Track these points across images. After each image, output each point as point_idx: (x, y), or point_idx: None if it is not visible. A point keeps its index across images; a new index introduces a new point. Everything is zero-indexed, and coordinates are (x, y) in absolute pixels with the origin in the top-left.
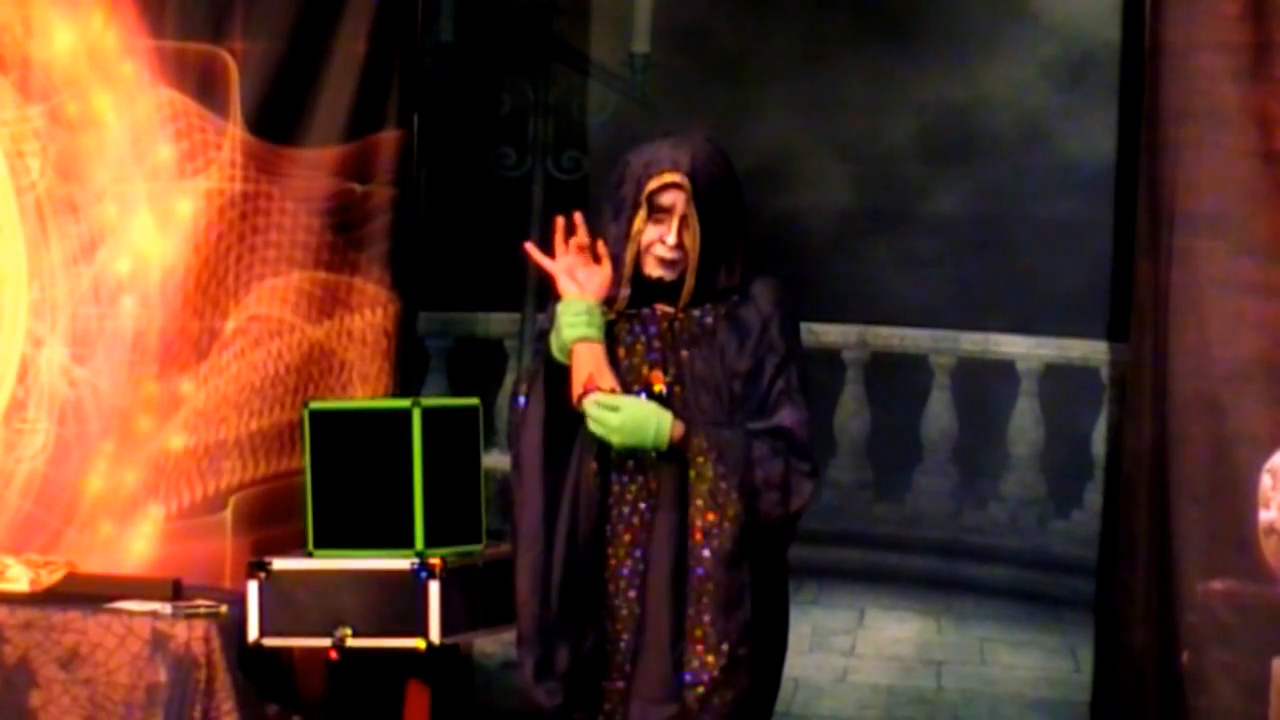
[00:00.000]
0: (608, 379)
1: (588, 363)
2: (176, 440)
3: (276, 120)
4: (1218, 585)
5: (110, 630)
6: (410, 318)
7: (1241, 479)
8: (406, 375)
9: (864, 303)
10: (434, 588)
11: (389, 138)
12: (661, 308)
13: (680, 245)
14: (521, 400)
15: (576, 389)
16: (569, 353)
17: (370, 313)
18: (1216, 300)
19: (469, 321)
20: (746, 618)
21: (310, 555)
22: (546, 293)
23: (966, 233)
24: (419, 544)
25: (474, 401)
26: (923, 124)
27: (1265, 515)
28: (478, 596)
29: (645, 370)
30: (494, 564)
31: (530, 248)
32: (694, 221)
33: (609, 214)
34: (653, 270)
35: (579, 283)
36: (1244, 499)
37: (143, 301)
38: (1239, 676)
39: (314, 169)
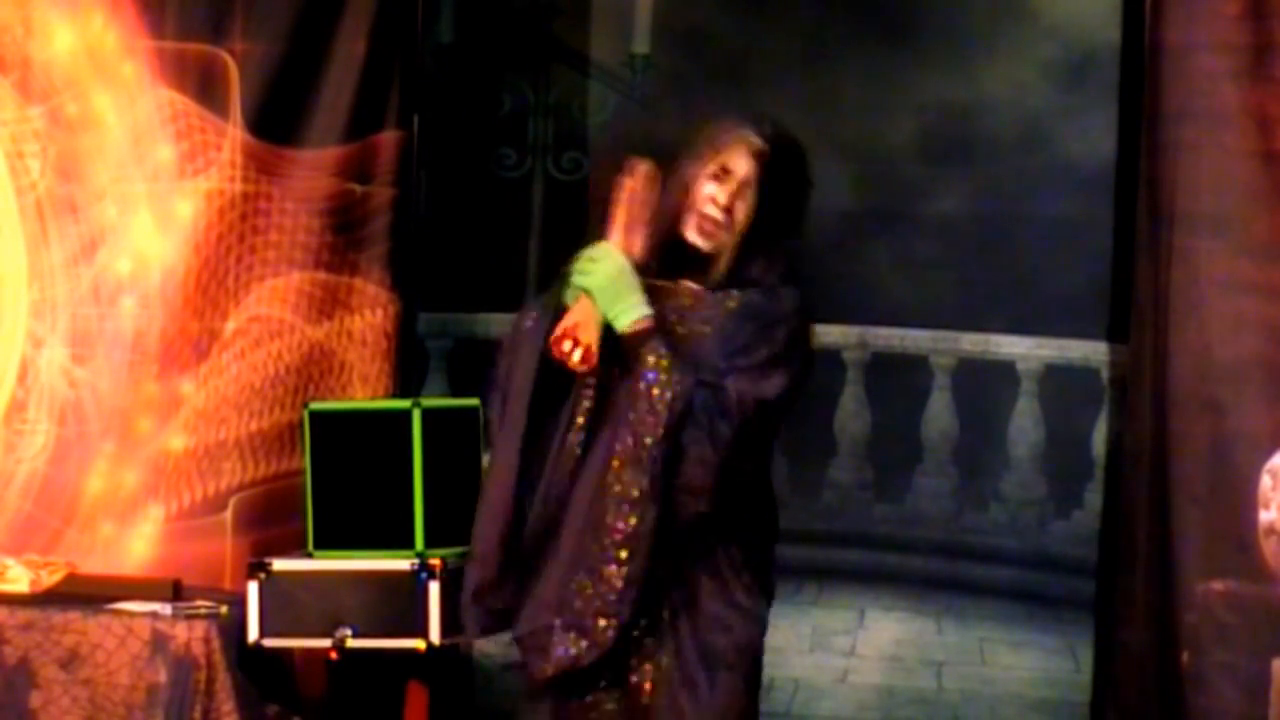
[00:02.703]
0: (589, 334)
1: (579, 314)
2: (176, 441)
3: (276, 121)
4: (1218, 585)
5: (110, 631)
6: (410, 318)
7: (1241, 479)
8: (406, 376)
9: (864, 303)
10: (434, 588)
11: (389, 138)
12: (686, 283)
13: (729, 212)
14: (529, 323)
15: (557, 330)
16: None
17: (370, 313)
18: (1216, 300)
19: (469, 322)
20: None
21: (310, 556)
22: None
23: (966, 233)
24: (419, 544)
25: (474, 402)
26: (923, 124)
27: (1265, 515)
28: None
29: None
30: None
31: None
32: (752, 195)
33: (672, 175)
34: (691, 234)
35: (625, 231)
36: (1244, 499)
37: (143, 302)
38: (1239, 677)
39: (314, 169)
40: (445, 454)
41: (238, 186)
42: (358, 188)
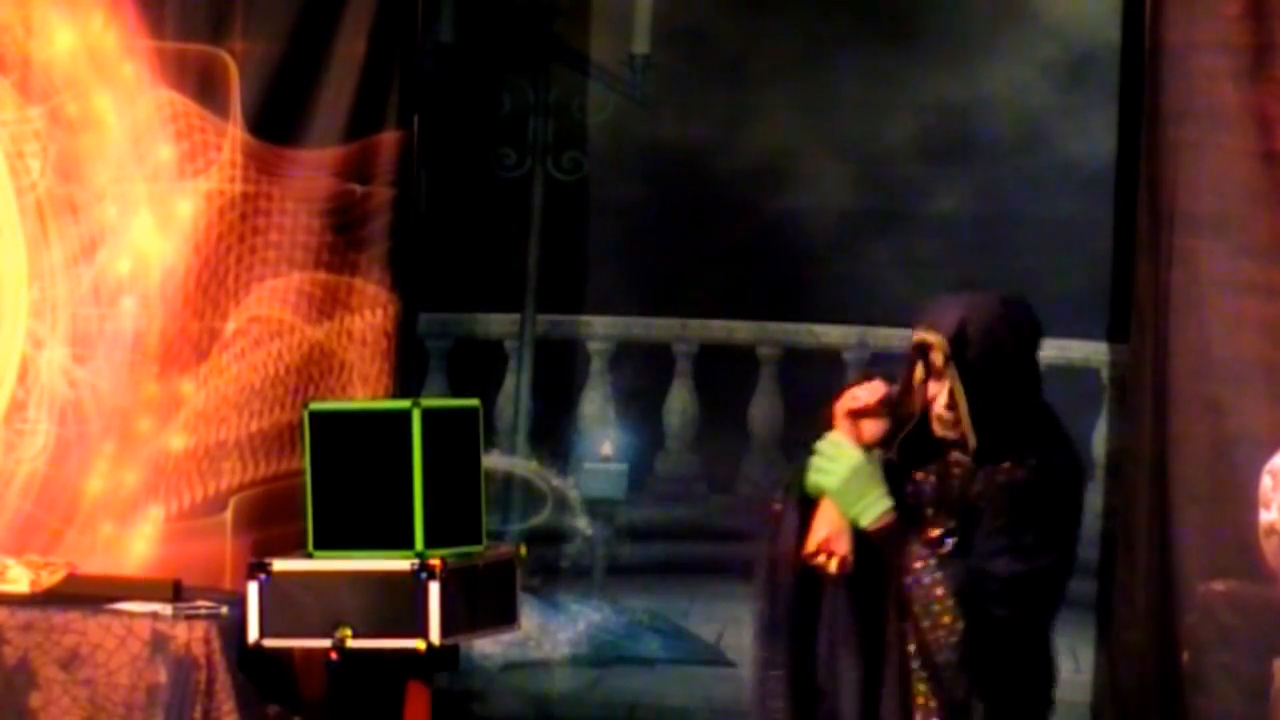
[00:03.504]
0: (844, 544)
1: (829, 522)
2: (177, 441)
3: (276, 121)
4: (1218, 586)
5: (110, 631)
6: (410, 318)
7: (1241, 479)
8: (406, 376)
9: (864, 303)
10: (434, 588)
11: (389, 138)
12: (956, 455)
13: (952, 407)
14: (777, 506)
15: (810, 544)
16: (817, 492)
17: (370, 313)
18: (1216, 300)
19: (469, 322)
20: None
21: (310, 556)
22: (547, 293)
23: (966, 233)
24: (419, 544)
25: (474, 402)
26: (923, 124)
27: (1265, 516)
28: (478, 597)
29: (929, 513)
30: (494, 564)
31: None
32: (957, 385)
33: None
34: (935, 427)
35: (858, 428)
36: (1244, 499)
37: (143, 302)
38: (1239, 677)
39: (314, 169)
40: (445, 454)
41: (238, 186)
42: (358, 188)
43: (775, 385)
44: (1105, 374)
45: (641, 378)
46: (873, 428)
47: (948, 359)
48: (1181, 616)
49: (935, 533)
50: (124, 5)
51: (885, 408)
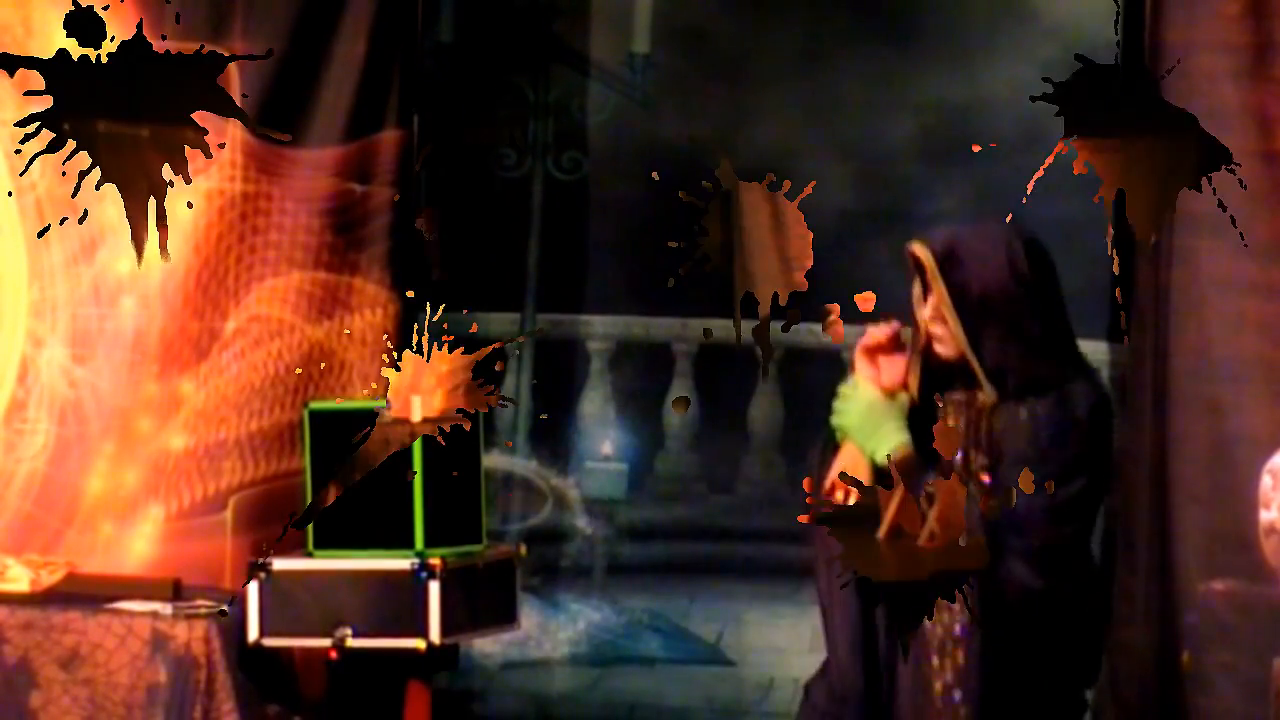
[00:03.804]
0: (859, 478)
1: (845, 459)
2: (177, 440)
3: (277, 121)
4: (1218, 585)
5: (110, 630)
6: (410, 318)
7: (1241, 479)
8: None
9: None
10: (434, 588)
11: (389, 138)
12: (982, 395)
13: (940, 322)
14: (817, 461)
15: (826, 483)
16: (841, 436)
17: (370, 313)
18: (1216, 300)
19: (469, 322)
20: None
21: (310, 555)
22: (546, 293)
23: None
24: (419, 544)
25: None
26: (923, 124)
27: (1265, 515)
28: (478, 596)
29: (958, 456)
30: (494, 564)
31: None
32: (945, 300)
33: None
34: (933, 347)
35: (876, 368)
36: (1244, 499)
37: (143, 302)
38: (1240, 677)
39: (314, 169)
40: (445, 454)
41: (238, 186)
42: (358, 187)
43: (775, 385)
44: (1105, 374)
45: (641, 378)
46: (892, 370)
47: (934, 273)
48: (1181, 616)
49: (985, 477)
50: (124, 5)
51: (899, 343)
